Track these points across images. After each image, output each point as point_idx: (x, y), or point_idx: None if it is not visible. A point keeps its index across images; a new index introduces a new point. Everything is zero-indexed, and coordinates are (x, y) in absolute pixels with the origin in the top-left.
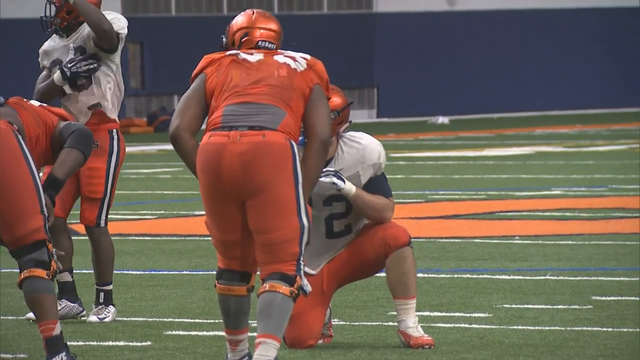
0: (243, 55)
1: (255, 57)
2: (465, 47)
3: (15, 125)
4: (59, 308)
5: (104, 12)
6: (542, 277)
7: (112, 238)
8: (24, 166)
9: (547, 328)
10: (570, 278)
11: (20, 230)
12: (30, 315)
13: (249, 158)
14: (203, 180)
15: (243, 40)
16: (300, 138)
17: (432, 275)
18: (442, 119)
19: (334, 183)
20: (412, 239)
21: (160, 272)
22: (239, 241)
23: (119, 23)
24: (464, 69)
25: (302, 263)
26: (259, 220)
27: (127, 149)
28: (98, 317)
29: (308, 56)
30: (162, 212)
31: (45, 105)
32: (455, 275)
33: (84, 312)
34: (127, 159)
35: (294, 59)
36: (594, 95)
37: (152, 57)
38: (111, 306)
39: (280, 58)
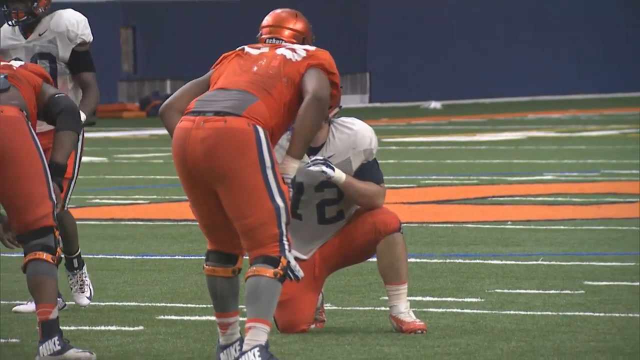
0: (247, 49)
1: (258, 50)
2: (457, 32)
3: (24, 110)
4: None
5: (71, 11)
6: (535, 262)
7: (105, 223)
8: (35, 154)
9: (539, 313)
10: (562, 263)
11: (30, 216)
12: (18, 307)
13: (210, 144)
14: (175, 164)
15: (258, 37)
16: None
17: (424, 260)
18: (435, 104)
19: (322, 171)
20: (405, 224)
21: (153, 257)
22: (220, 225)
23: (88, 32)
24: (457, 54)
25: (285, 243)
26: (231, 208)
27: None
28: (87, 298)
29: (312, 48)
30: (155, 196)
31: (24, 64)
32: (448, 260)
33: (66, 307)
34: (120, 144)
35: (294, 50)
36: (586, 80)
37: (145, 42)
38: (84, 268)
39: (280, 50)
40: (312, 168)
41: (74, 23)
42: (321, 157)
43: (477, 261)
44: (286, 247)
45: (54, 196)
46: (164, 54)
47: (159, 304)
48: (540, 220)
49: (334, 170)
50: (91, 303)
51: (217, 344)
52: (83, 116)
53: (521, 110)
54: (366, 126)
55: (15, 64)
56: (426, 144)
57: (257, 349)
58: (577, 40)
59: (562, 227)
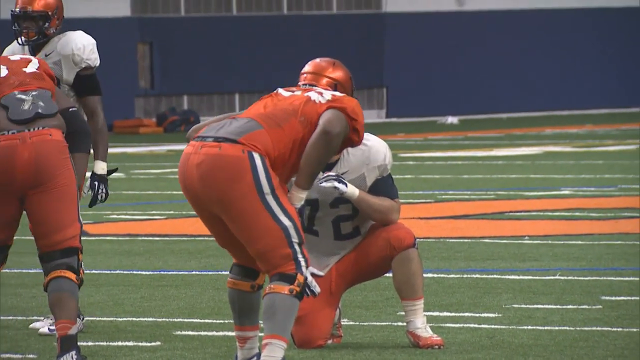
0: (280, 91)
1: (290, 93)
2: (474, 47)
3: (64, 133)
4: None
5: (81, 34)
6: (552, 277)
7: (122, 238)
8: (73, 178)
9: (556, 328)
10: (579, 278)
11: (58, 236)
12: (35, 324)
13: (204, 170)
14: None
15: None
16: None
17: (442, 275)
18: (452, 119)
19: (335, 187)
20: (422, 240)
21: (170, 273)
22: (234, 243)
23: (94, 57)
24: (473, 69)
25: (301, 260)
26: (238, 234)
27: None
28: (49, 329)
29: (340, 94)
30: (172, 212)
31: (39, 64)
32: (465, 275)
33: (84, 328)
34: (137, 160)
35: (321, 94)
36: (604, 95)
37: (161, 58)
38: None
39: (309, 92)
40: (324, 184)
41: (80, 47)
42: (333, 173)
43: (495, 276)
44: (302, 264)
45: (81, 219)
46: (181, 70)
47: (176, 320)
48: (558, 235)
49: (346, 185)
50: (108, 319)
51: (234, 359)
52: (103, 167)
53: (538, 125)
54: (380, 141)
55: (35, 64)
56: (443, 159)
57: None
58: (593, 54)
59: (579, 242)
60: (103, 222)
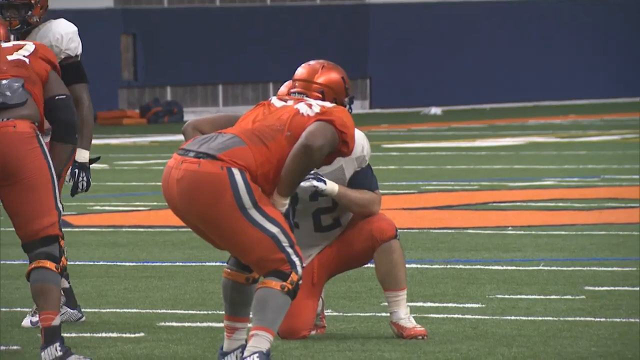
0: (273, 101)
1: (282, 103)
2: (457, 38)
3: (35, 121)
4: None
5: (61, 23)
6: (535, 268)
7: (105, 230)
8: (44, 166)
9: (540, 318)
10: (563, 268)
11: (36, 225)
12: (25, 323)
13: (183, 187)
14: None
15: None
16: None
17: (425, 266)
18: (435, 110)
19: (313, 186)
20: (405, 230)
21: (154, 264)
22: (226, 248)
23: (74, 45)
24: (457, 60)
25: (295, 260)
26: (226, 249)
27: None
28: (31, 320)
29: (330, 105)
30: (155, 203)
31: (35, 49)
32: (448, 266)
33: (84, 318)
34: (120, 151)
35: (310, 105)
36: (587, 86)
37: (145, 49)
38: (64, 307)
39: (299, 105)
40: (303, 184)
41: (58, 38)
42: (312, 171)
43: (478, 267)
44: (297, 263)
45: (60, 205)
46: (164, 61)
47: (160, 311)
48: (541, 226)
49: (325, 183)
50: (92, 310)
51: (219, 350)
52: (85, 155)
53: (522, 116)
54: (358, 133)
55: (27, 50)
56: (427, 149)
57: (257, 355)
58: (577, 45)
59: (563, 232)
60: (86, 213)
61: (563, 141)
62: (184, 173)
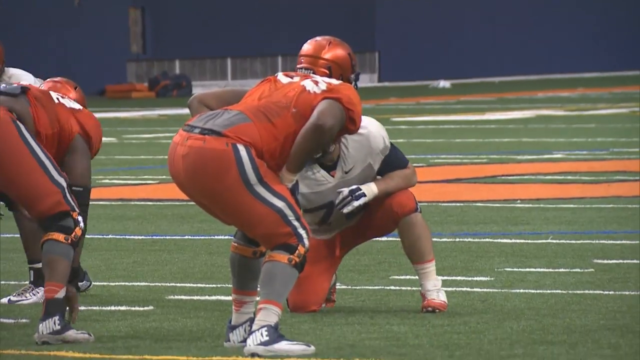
0: (280, 77)
1: (288, 80)
2: (466, 11)
3: (14, 113)
4: (35, 297)
5: (21, 74)
6: (544, 241)
7: (114, 203)
8: (24, 150)
9: (548, 291)
10: (571, 241)
11: (41, 206)
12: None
13: (189, 163)
14: None
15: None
16: None
17: (434, 240)
18: (444, 83)
19: (359, 205)
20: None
21: (162, 237)
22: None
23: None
24: (466, 33)
25: (302, 233)
26: (233, 224)
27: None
28: (10, 299)
29: (336, 82)
30: (164, 177)
31: (77, 108)
32: (457, 239)
33: (91, 285)
34: (129, 124)
35: (316, 82)
36: (596, 59)
37: (153, 22)
38: (41, 287)
39: (305, 81)
40: (346, 210)
41: None
42: (346, 192)
43: (487, 240)
44: (304, 236)
45: (60, 180)
46: (173, 35)
47: (168, 284)
48: (550, 199)
49: (365, 194)
50: (101, 283)
51: (227, 323)
52: None
53: (530, 89)
54: (374, 125)
55: (69, 102)
56: (435, 123)
57: (266, 328)
58: (586, 18)
59: (571, 205)
60: (95, 186)
61: (572, 114)
62: (189, 149)
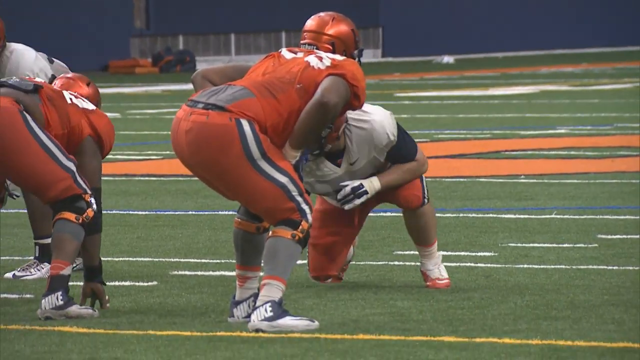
0: (283, 52)
1: (292, 55)
2: None
3: (22, 104)
4: (39, 273)
5: (24, 54)
6: (548, 216)
7: (118, 179)
8: (30, 140)
9: (552, 267)
10: (575, 217)
11: (52, 192)
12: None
13: (192, 138)
14: None
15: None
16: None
17: (438, 215)
18: (447, 59)
19: (361, 203)
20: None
21: (166, 213)
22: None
23: (47, 69)
24: (469, 9)
25: (305, 208)
26: (236, 199)
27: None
28: (14, 274)
29: (340, 58)
30: (167, 152)
31: (90, 109)
32: (461, 215)
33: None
34: (132, 100)
35: (320, 58)
36: (599, 34)
37: None
38: (46, 263)
39: (309, 57)
40: (348, 207)
41: (30, 75)
42: (349, 188)
43: (491, 215)
44: (307, 211)
45: (69, 165)
46: (176, 10)
47: (172, 260)
48: (554, 174)
49: (367, 192)
50: (105, 259)
51: (231, 299)
52: None
53: (534, 64)
54: (380, 119)
55: (83, 101)
56: (439, 98)
57: (270, 304)
58: None
59: (575, 180)
60: None
61: (575, 89)
62: (192, 125)
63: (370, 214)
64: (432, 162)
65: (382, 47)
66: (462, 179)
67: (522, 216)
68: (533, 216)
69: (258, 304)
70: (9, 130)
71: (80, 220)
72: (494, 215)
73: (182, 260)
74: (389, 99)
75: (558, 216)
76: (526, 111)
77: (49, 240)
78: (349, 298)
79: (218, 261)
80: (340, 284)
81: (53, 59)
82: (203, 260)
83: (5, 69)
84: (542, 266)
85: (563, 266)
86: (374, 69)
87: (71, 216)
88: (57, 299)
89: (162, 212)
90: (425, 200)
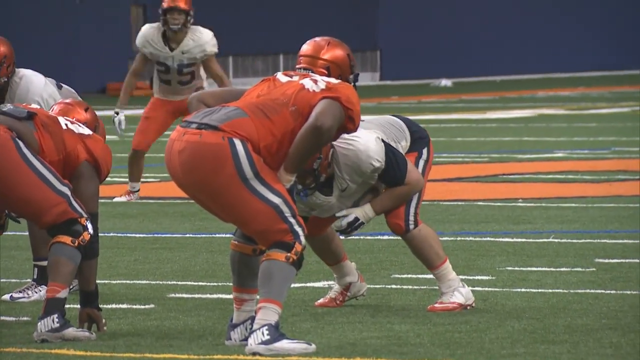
0: (279, 76)
1: (287, 79)
2: (468, 9)
3: (14, 132)
4: (38, 295)
5: (33, 80)
6: (546, 240)
7: (115, 201)
8: (22, 165)
9: (550, 290)
10: (573, 240)
11: (48, 218)
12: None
13: (185, 158)
14: None
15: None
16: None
17: None
18: (445, 82)
19: (358, 230)
20: None
21: (164, 235)
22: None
23: (56, 96)
24: (467, 32)
25: (298, 230)
26: (230, 220)
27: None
28: (12, 296)
29: (335, 81)
30: (165, 174)
31: (86, 134)
32: (459, 238)
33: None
34: (130, 122)
35: (315, 81)
36: (597, 58)
37: (155, 20)
38: (43, 286)
39: (304, 80)
40: (343, 237)
41: (40, 101)
42: (345, 221)
43: (488, 239)
44: (300, 233)
45: (63, 189)
46: None
47: (170, 282)
48: (551, 198)
49: (364, 222)
50: (102, 281)
51: (229, 322)
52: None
53: (531, 88)
54: (363, 146)
55: (78, 127)
56: (437, 121)
57: (266, 327)
58: (587, 17)
59: (573, 204)
60: None
61: (573, 113)
62: (185, 144)
63: (367, 237)
64: (429, 185)
65: (380, 70)
66: (459, 202)
67: (519, 240)
68: (531, 240)
69: (255, 327)
70: (1, 157)
71: (77, 244)
72: (492, 239)
73: (179, 282)
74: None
75: (556, 240)
76: (524, 135)
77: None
78: (346, 321)
79: (216, 284)
80: (338, 307)
81: (62, 84)
82: (200, 283)
83: (15, 95)
84: (539, 290)
85: (561, 290)
86: (372, 92)
87: (67, 239)
88: (53, 322)
89: (159, 235)
90: (411, 226)
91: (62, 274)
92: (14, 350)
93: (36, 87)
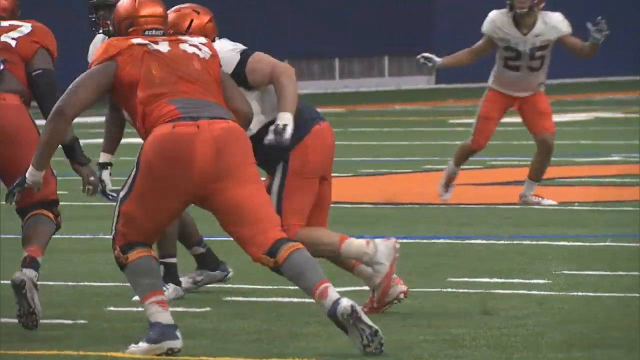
0: (153, 46)
1: (163, 46)
2: None
3: (23, 96)
4: (165, 292)
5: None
6: (602, 244)
7: None
8: (37, 140)
9: (606, 294)
10: (630, 244)
11: (38, 195)
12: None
13: (223, 142)
14: (160, 172)
15: (129, 30)
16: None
17: (491, 242)
18: None
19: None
20: (472, 206)
21: (219, 239)
22: (165, 228)
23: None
24: None
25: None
26: (237, 205)
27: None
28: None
29: (205, 40)
30: None
31: (31, 35)
32: (515, 242)
33: (229, 275)
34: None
35: (197, 47)
36: None
37: None
38: (170, 284)
39: (187, 47)
40: (284, 139)
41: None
42: (271, 135)
43: (544, 242)
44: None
45: (54, 172)
46: None
47: (225, 285)
48: (608, 202)
49: (287, 123)
50: None
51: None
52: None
53: (588, 91)
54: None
55: (20, 32)
56: None
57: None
58: None
59: (629, 208)
60: None
61: (630, 116)
62: (220, 131)
63: (423, 241)
64: (486, 189)
65: (435, 73)
66: (515, 206)
67: (576, 243)
68: (587, 243)
69: (341, 303)
70: (20, 126)
71: (55, 222)
72: (548, 243)
73: (235, 286)
74: (442, 126)
75: (613, 244)
76: (580, 138)
77: (173, 260)
78: (402, 325)
79: (271, 287)
80: (393, 310)
81: None
82: (256, 286)
83: None
84: (596, 294)
85: (617, 294)
86: (428, 96)
87: (51, 215)
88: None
89: (214, 238)
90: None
91: (40, 239)
92: (14, 352)
93: None
